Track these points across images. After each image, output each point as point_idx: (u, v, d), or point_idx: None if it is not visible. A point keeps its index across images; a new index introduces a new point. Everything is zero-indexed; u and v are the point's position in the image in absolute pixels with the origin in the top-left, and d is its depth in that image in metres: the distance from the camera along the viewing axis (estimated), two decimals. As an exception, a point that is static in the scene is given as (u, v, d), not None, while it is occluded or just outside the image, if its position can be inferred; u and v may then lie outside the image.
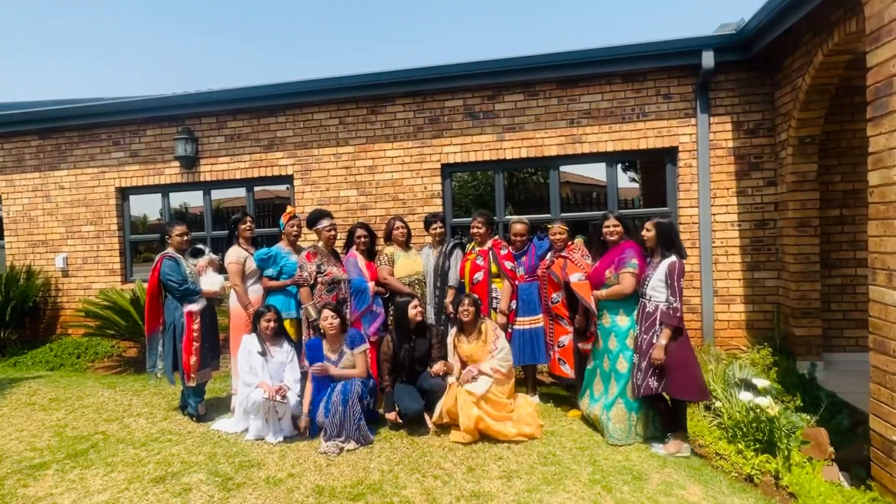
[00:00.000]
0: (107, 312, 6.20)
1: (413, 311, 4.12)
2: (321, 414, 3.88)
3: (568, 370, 4.21)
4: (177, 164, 6.64)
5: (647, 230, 3.59)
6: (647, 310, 3.51)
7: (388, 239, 4.80)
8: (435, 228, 4.74)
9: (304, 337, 4.41)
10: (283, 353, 4.13)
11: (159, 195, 6.91)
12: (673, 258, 3.48)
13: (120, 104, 6.63)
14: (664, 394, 3.53)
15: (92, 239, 6.99)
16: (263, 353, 4.05)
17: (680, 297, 3.41)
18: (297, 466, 3.48)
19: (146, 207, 8.03)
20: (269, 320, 4.08)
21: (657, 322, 3.44)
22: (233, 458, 3.64)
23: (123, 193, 7.00)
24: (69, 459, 3.70)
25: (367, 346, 4.16)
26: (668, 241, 3.52)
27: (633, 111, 5.52)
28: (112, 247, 6.94)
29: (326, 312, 4.04)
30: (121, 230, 6.99)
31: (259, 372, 4.02)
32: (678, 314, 3.38)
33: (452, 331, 4.34)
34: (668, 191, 5.60)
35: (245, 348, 4.10)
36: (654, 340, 3.43)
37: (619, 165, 5.89)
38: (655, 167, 7.37)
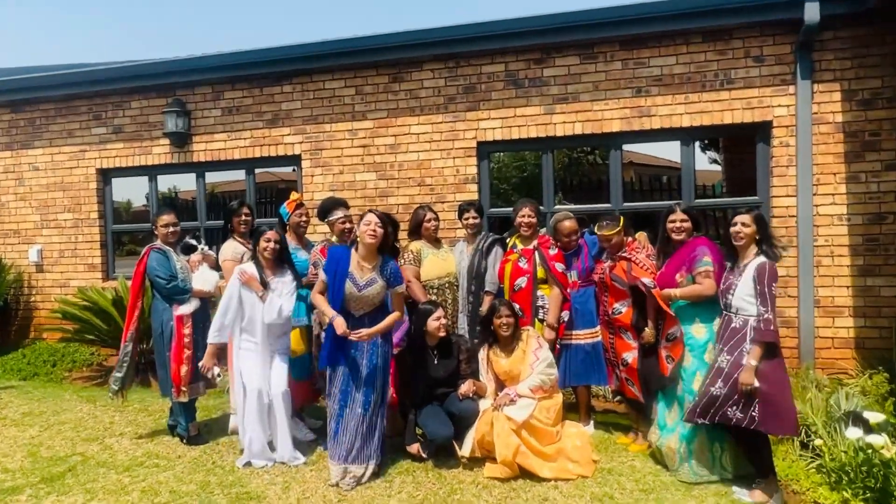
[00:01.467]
0: (86, 314, 6.44)
1: (435, 325, 4.15)
2: (336, 400, 3.81)
3: (637, 391, 4.19)
4: (166, 141, 6.84)
5: (745, 224, 3.49)
6: (734, 325, 3.45)
7: (415, 233, 4.82)
8: (467, 219, 4.75)
9: (314, 349, 4.48)
10: (288, 285, 4.12)
11: (146, 178, 7.14)
12: (762, 259, 3.41)
13: (101, 71, 6.87)
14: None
15: (70, 229, 7.27)
16: (265, 285, 4.04)
17: (772, 306, 3.33)
18: (303, 502, 3.55)
19: (131, 191, 8.32)
20: (268, 240, 4.05)
21: (746, 340, 3.37)
22: (228, 488, 3.75)
23: (105, 176, 7.25)
24: (44, 484, 3.87)
25: (404, 287, 4.00)
26: (767, 241, 3.45)
27: (716, 77, 5.40)
28: (92, 238, 7.20)
29: (370, 217, 3.77)
30: (102, 218, 7.25)
31: (256, 321, 4.02)
32: (772, 327, 3.32)
33: (485, 346, 4.35)
34: (758, 176, 5.46)
35: (233, 290, 4.02)
36: (742, 362, 3.36)
37: (697, 144, 5.78)
38: (743, 146, 7.19)
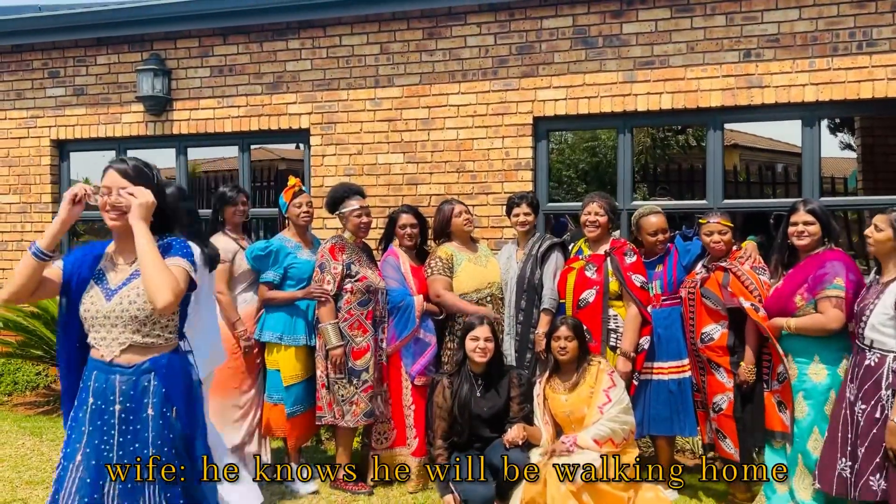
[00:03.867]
0: (33, 324, 6.71)
1: (471, 346, 4.26)
2: None
3: (731, 448, 4.21)
4: (140, 107, 7.08)
5: (878, 228, 3.52)
6: (868, 363, 3.46)
7: (443, 234, 4.95)
8: (518, 215, 4.86)
9: (319, 373, 4.65)
10: None
11: (112, 152, 7.38)
12: None
13: (60, 17, 7.06)
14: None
15: (15, 215, 7.58)
16: None
17: None
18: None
19: (91, 169, 8.58)
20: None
21: (883, 385, 3.38)
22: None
23: (62, 148, 7.54)
24: (-24, 540, 4.08)
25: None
26: None
27: (852, 38, 5.39)
28: (44, 227, 7.46)
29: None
30: (56, 202, 7.51)
31: None
32: None
33: (542, 376, 4.44)
34: (905, 168, 5.44)
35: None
36: (878, 415, 3.36)
37: (825, 124, 5.77)
38: (886, 128, 7.14)
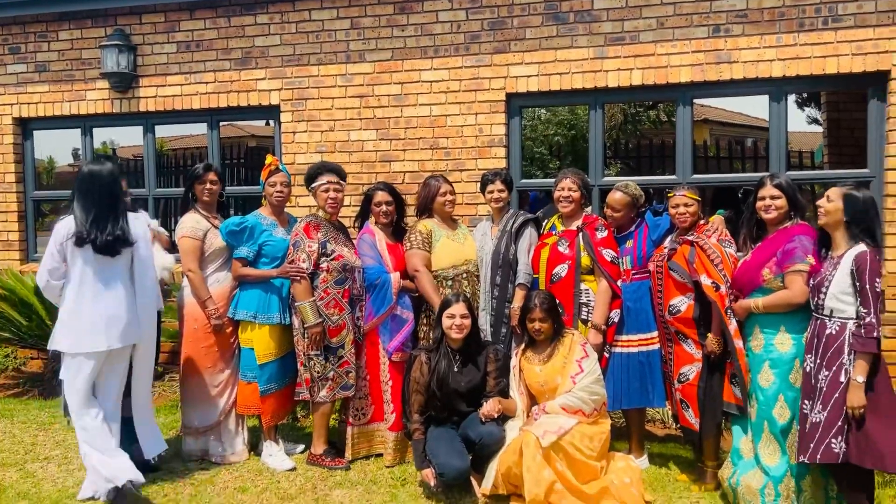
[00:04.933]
0: (0, 306, 6.64)
1: (447, 323, 4.33)
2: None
3: (692, 418, 4.33)
4: (105, 84, 7.01)
5: (829, 199, 3.63)
6: (829, 331, 3.58)
7: (426, 210, 5.00)
8: (492, 192, 4.92)
9: (298, 352, 4.69)
10: None
11: (77, 130, 7.32)
12: (862, 247, 3.53)
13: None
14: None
15: (-21, 195, 7.47)
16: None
17: (876, 307, 3.47)
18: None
19: (55, 147, 8.47)
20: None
21: (845, 350, 3.51)
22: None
23: (25, 127, 7.45)
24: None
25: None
26: (861, 224, 3.57)
27: (818, 13, 5.48)
28: (7, 208, 7.41)
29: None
30: (20, 182, 7.45)
31: None
32: (875, 334, 3.45)
33: (517, 349, 4.52)
34: (869, 143, 5.57)
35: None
36: (843, 379, 3.49)
37: (792, 99, 5.87)
38: (851, 103, 7.27)
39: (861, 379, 3.42)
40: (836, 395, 3.49)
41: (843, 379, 3.49)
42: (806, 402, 3.67)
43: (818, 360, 3.60)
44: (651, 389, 4.52)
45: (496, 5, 6.07)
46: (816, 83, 5.83)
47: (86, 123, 7.27)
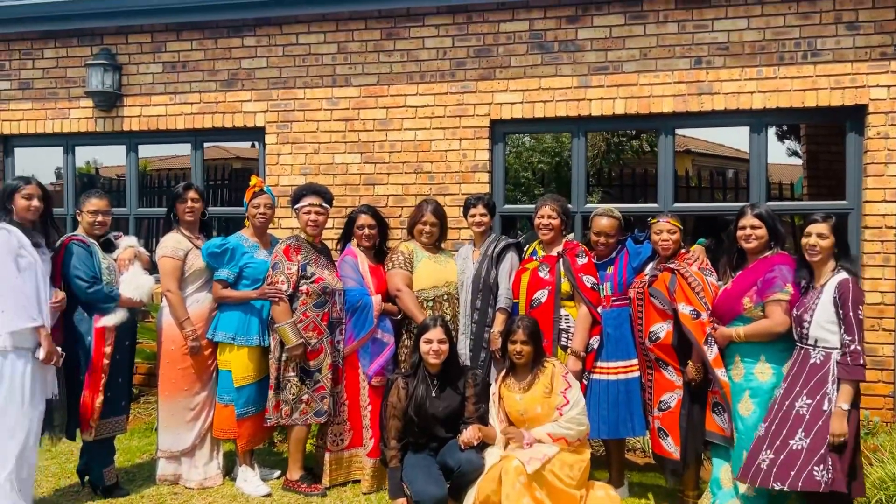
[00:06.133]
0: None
1: (425, 348, 4.30)
2: None
3: (671, 447, 4.30)
4: (89, 102, 6.99)
5: (822, 236, 3.66)
6: (813, 361, 3.61)
7: (411, 230, 5.01)
8: (474, 216, 4.93)
9: (272, 374, 4.64)
10: None
11: (60, 148, 7.29)
12: (843, 275, 3.56)
13: (4, 8, 6.90)
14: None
15: (-42, 212, 7.37)
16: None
17: (860, 334, 3.50)
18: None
19: (37, 166, 8.42)
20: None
21: (829, 380, 3.52)
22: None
23: (6, 144, 7.40)
24: None
25: None
26: (846, 252, 3.62)
27: (798, 47, 5.57)
28: (-12, 225, 7.32)
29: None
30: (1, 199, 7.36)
31: None
32: (861, 361, 3.47)
33: (498, 375, 4.49)
34: (847, 175, 5.64)
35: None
36: (825, 407, 3.51)
37: (772, 131, 5.93)
38: (830, 136, 7.37)
39: (846, 406, 3.47)
40: (820, 423, 3.52)
41: (825, 408, 3.52)
42: (763, 424, 3.69)
43: (797, 389, 3.61)
44: (630, 418, 4.49)
45: (482, 33, 6.12)
46: (796, 116, 5.91)
47: (68, 142, 7.23)
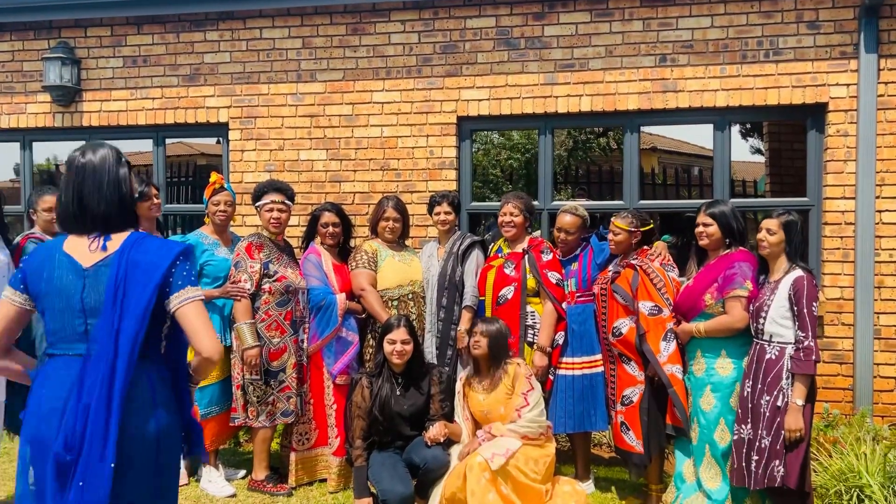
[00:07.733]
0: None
1: (388, 349, 4.28)
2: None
3: (633, 441, 4.33)
4: (46, 97, 6.84)
5: (770, 232, 3.73)
6: (769, 356, 3.66)
7: (374, 229, 4.98)
8: (439, 213, 4.92)
9: (234, 374, 4.59)
10: None
11: (16, 144, 7.13)
12: (798, 272, 3.61)
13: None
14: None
15: (-87, 210, 7.20)
16: None
17: (814, 330, 3.56)
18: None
19: (-7, 163, 8.26)
20: None
21: (783, 375, 3.57)
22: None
23: (-38, 141, 7.22)
24: None
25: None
26: (799, 248, 3.68)
27: (760, 46, 5.64)
28: (-57, 223, 7.16)
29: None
30: (-42, 198, 7.21)
31: None
32: (813, 357, 3.52)
33: (462, 374, 4.49)
34: (808, 172, 5.72)
35: None
36: (780, 403, 3.56)
37: (736, 129, 6.00)
38: (792, 134, 7.47)
39: (800, 402, 3.52)
40: (778, 419, 3.57)
41: (780, 403, 3.57)
42: (742, 426, 3.73)
43: (759, 386, 3.67)
44: (594, 412, 4.53)
45: (448, 29, 6.10)
46: (759, 113, 5.97)
47: (26, 137, 7.07)
